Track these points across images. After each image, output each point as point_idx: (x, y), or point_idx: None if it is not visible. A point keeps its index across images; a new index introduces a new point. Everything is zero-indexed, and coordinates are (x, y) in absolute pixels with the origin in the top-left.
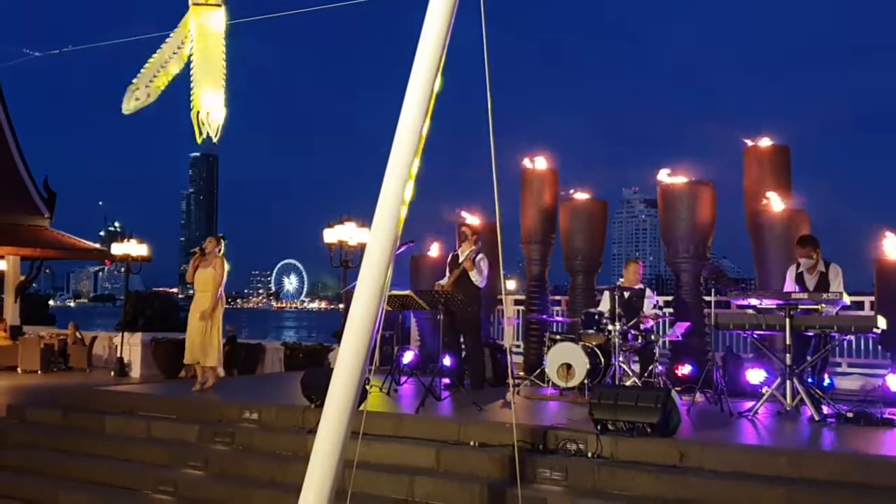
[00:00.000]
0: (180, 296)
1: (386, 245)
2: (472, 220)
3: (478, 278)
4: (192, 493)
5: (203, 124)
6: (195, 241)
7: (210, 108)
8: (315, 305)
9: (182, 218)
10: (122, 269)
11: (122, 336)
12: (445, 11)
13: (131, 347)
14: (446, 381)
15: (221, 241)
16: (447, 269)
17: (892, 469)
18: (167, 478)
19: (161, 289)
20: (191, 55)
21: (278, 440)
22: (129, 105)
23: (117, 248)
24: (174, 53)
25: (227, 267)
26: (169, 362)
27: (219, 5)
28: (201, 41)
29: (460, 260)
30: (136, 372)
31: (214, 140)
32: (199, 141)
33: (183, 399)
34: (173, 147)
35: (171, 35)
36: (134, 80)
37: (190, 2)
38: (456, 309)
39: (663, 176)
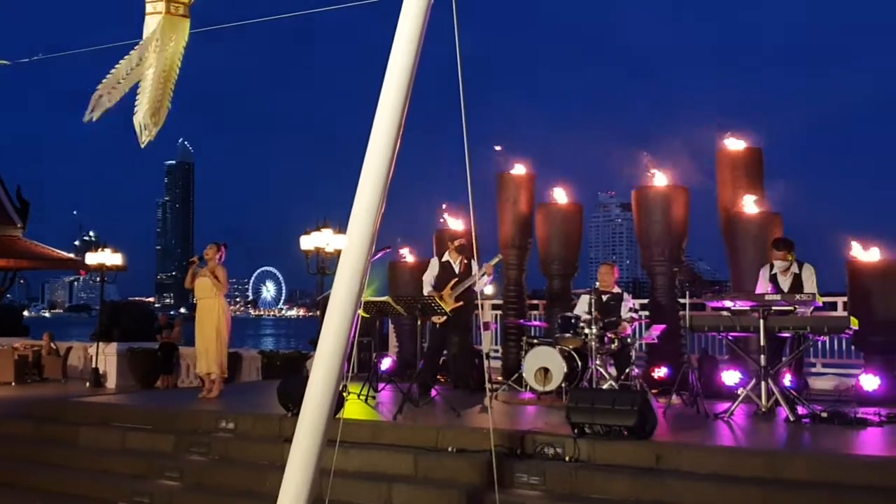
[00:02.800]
0: (156, 305)
1: (361, 251)
2: (455, 223)
3: (484, 285)
4: None
5: (145, 128)
6: (171, 249)
7: (152, 113)
8: (293, 313)
9: (158, 226)
10: (98, 279)
11: (98, 346)
12: (418, 17)
13: (106, 357)
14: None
15: (223, 248)
16: (434, 276)
17: (867, 468)
18: (142, 489)
19: (137, 298)
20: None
21: (255, 450)
22: (93, 112)
23: (92, 258)
24: (139, 62)
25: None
26: (145, 372)
27: (186, 16)
28: (163, 49)
29: (457, 270)
30: (111, 382)
31: (142, 145)
32: (142, 145)
33: (158, 409)
34: (148, 155)
35: (139, 45)
36: (98, 87)
37: (153, 9)
38: (434, 314)
39: (644, 180)
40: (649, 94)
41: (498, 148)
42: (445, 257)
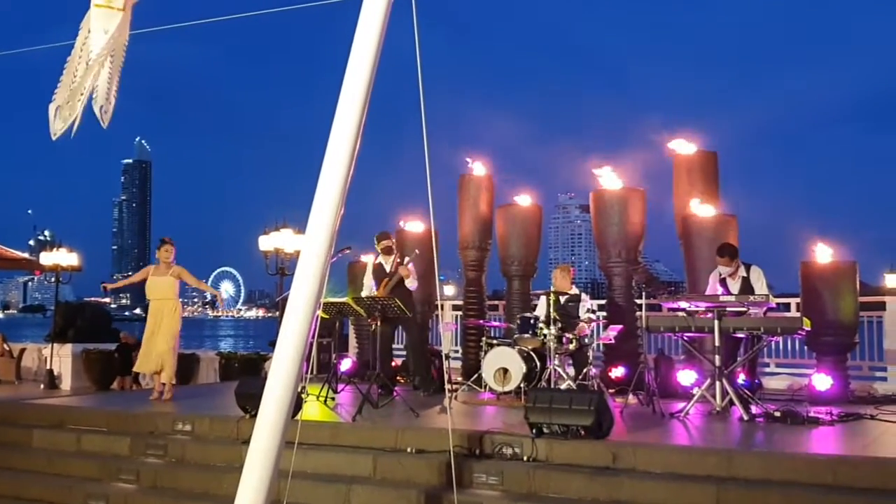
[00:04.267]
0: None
1: (320, 252)
2: (415, 226)
3: (412, 283)
4: None
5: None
6: (128, 249)
7: (94, 102)
8: (252, 314)
9: (114, 226)
10: (53, 279)
11: (52, 347)
12: (378, 19)
13: (61, 359)
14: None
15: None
16: (369, 278)
17: (818, 466)
18: (98, 492)
19: (93, 299)
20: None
21: (212, 452)
22: (56, 127)
23: (46, 258)
24: (86, 64)
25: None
26: (101, 374)
27: (121, 9)
28: (97, 43)
29: (388, 269)
30: (66, 384)
31: (72, 133)
32: (72, 134)
33: (114, 411)
34: (105, 153)
35: (76, 44)
36: (54, 97)
37: (92, 3)
38: (394, 315)
39: (602, 182)
40: (609, 97)
41: (469, 160)
42: (378, 259)
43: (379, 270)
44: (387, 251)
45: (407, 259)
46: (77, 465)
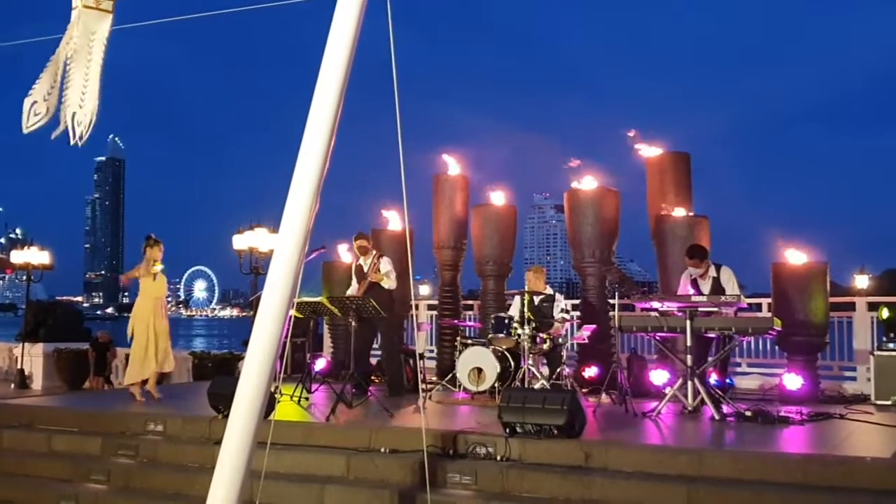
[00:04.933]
0: (85, 304)
1: (294, 251)
2: (392, 225)
3: (389, 283)
4: None
5: (77, 125)
6: (101, 248)
7: (80, 109)
8: (226, 313)
9: (87, 224)
10: (24, 278)
11: (23, 347)
12: (353, 18)
13: (32, 358)
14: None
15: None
16: (354, 279)
17: (789, 465)
18: (68, 492)
19: (65, 297)
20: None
21: (184, 452)
22: (29, 122)
23: (17, 256)
24: (69, 60)
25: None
26: (72, 373)
27: (109, 11)
28: (84, 44)
29: (365, 270)
30: (37, 384)
31: (80, 143)
32: (80, 143)
33: (85, 411)
34: (77, 150)
35: (62, 42)
36: (31, 92)
37: (80, 4)
38: (369, 315)
39: (576, 182)
40: (582, 99)
41: (444, 159)
42: (359, 260)
43: (359, 271)
44: (362, 251)
45: (371, 264)
46: (47, 466)
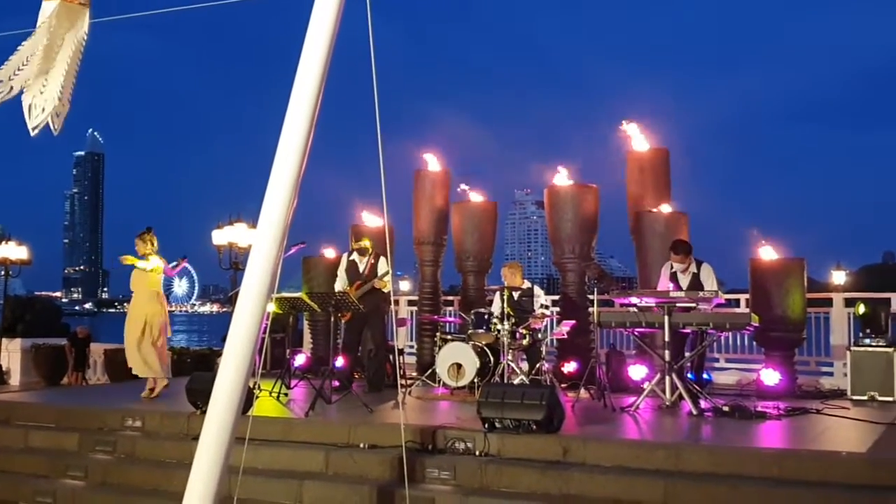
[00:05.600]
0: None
1: (272, 246)
2: (373, 220)
3: (387, 287)
4: None
5: (40, 113)
6: (79, 243)
7: (40, 95)
8: (207, 309)
9: (65, 219)
10: (1, 273)
11: (1, 342)
12: (332, 11)
13: (10, 354)
14: (336, 383)
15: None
16: (344, 276)
17: (765, 460)
18: (46, 488)
19: (43, 293)
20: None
21: (162, 448)
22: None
23: None
24: (40, 50)
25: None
26: (50, 369)
27: (85, 5)
28: (59, 35)
29: (361, 269)
30: (15, 379)
31: (34, 132)
32: (32, 133)
33: (63, 407)
34: (56, 145)
35: (35, 33)
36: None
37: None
38: (350, 311)
39: (556, 178)
40: (564, 95)
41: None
42: (353, 256)
43: (352, 268)
44: (361, 252)
45: (381, 272)
46: (24, 462)
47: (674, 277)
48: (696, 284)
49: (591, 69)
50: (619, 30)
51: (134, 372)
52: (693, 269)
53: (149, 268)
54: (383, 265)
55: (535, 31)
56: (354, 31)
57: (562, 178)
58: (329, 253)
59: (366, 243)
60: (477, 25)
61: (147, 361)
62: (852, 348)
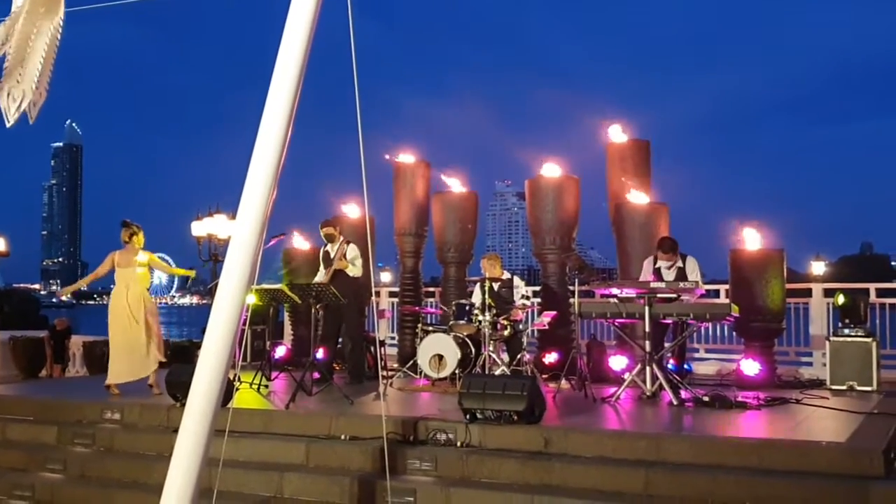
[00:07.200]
0: (42, 292)
1: (251, 237)
2: (352, 211)
3: (354, 271)
4: (51, 497)
5: (15, 103)
6: (58, 234)
7: (31, 90)
8: (186, 300)
9: (44, 211)
10: None
11: None
12: (311, 2)
13: None
14: (317, 375)
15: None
16: (321, 265)
17: (745, 449)
18: (24, 482)
19: (21, 285)
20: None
21: (142, 440)
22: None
23: None
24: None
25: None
26: (28, 361)
27: None
28: (33, 23)
29: (332, 256)
30: None
31: (10, 124)
32: (8, 124)
33: (40, 399)
34: (34, 136)
35: (7, 19)
36: None
37: None
38: (329, 302)
39: (537, 170)
40: (547, 88)
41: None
42: (326, 246)
43: (325, 258)
44: (329, 238)
45: (338, 251)
46: (2, 456)
47: (657, 272)
48: (681, 278)
49: (574, 60)
50: (602, 23)
51: (134, 378)
52: (679, 263)
53: (173, 264)
54: (352, 250)
55: (520, 24)
56: (334, 20)
57: (543, 169)
58: (304, 245)
59: (329, 230)
60: (459, 17)
61: (149, 352)
62: (831, 338)
